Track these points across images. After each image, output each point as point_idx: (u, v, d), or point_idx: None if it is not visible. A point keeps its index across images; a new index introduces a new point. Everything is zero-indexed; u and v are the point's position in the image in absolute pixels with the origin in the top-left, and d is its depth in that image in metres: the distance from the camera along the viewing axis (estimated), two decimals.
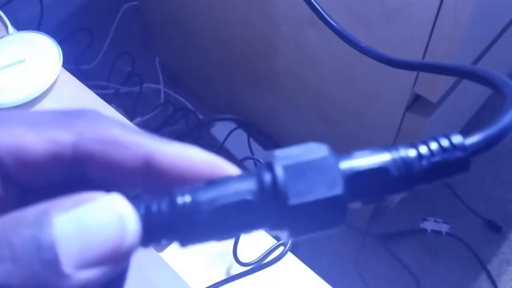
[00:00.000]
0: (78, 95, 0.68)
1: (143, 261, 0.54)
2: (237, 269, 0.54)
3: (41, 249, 0.15)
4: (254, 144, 1.32)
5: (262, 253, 0.55)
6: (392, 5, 0.77)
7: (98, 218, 0.17)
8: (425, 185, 0.20)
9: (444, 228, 1.29)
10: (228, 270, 0.55)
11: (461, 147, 0.19)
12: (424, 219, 1.31)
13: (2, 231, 0.15)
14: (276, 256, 0.54)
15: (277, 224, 0.19)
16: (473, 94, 1.12)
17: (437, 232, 1.29)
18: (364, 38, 0.82)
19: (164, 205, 0.18)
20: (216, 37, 1.21)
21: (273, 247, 0.55)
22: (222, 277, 0.54)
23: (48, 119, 0.20)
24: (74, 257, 0.16)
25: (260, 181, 0.19)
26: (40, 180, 0.20)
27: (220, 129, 1.38)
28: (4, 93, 0.65)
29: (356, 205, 0.19)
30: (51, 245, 0.15)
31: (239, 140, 1.34)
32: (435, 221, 1.30)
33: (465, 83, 0.92)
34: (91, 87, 0.70)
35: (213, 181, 0.19)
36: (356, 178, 0.19)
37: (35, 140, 0.19)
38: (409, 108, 0.92)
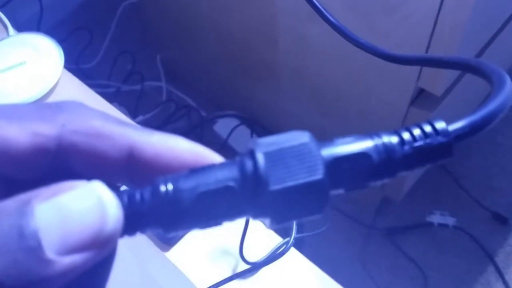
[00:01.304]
0: (79, 96, 0.68)
1: (147, 260, 0.55)
2: (243, 267, 0.55)
3: (23, 237, 0.16)
4: None
5: (268, 251, 0.55)
6: (393, 0, 0.78)
7: (79, 204, 0.17)
8: (408, 171, 0.20)
9: (450, 221, 1.29)
10: (234, 269, 0.55)
11: (444, 133, 0.19)
12: (430, 213, 1.32)
13: None
14: (279, 252, 0.54)
15: (259, 210, 0.19)
16: (477, 87, 1.12)
17: (443, 225, 1.29)
18: (365, 32, 0.83)
19: (147, 194, 0.19)
20: (216, 33, 1.21)
21: (279, 244, 0.55)
22: (228, 275, 0.54)
23: (30, 112, 0.20)
24: (57, 243, 0.16)
25: (242, 168, 0.19)
26: (25, 172, 0.20)
27: (223, 126, 1.38)
28: (6, 95, 0.65)
29: (338, 191, 0.19)
30: (33, 233, 0.16)
31: (242, 137, 1.34)
32: (441, 214, 1.30)
33: (468, 76, 0.92)
34: (92, 86, 0.71)
35: (195, 169, 0.19)
36: (337, 164, 0.19)
37: (18, 133, 0.19)
38: (413, 102, 0.92)
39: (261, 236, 0.57)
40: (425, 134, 0.19)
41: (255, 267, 0.54)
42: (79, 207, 0.17)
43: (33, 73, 0.67)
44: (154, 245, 0.56)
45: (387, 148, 0.19)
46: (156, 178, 0.19)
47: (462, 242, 1.29)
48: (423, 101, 0.92)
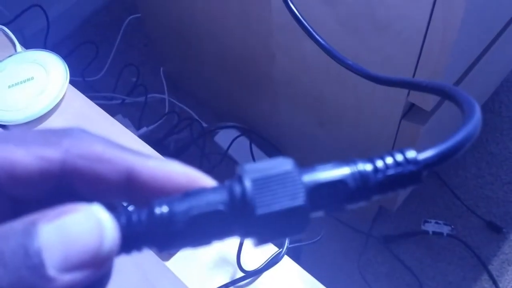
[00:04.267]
0: (84, 110, 0.70)
1: (148, 270, 0.57)
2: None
3: (28, 255, 0.17)
4: (256, 151, 1.34)
5: (265, 260, 0.57)
6: (382, 18, 0.79)
7: (79, 226, 0.18)
8: (381, 196, 0.21)
9: (445, 229, 1.30)
10: (232, 278, 0.57)
11: (414, 162, 0.21)
12: (426, 221, 1.32)
13: None
14: (271, 261, 0.56)
15: (246, 232, 0.20)
16: None
17: (438, 234, 1.30)
18: (356, 47, 0.85)
19: (143, 215, 0.20)
20: (217, 48, 1.23)
21: (275, 254, 0.57)
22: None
23: (37, 138, 0.21)
24: (58, 262, 0.17)
25: (231, 193, 0.20)
26: (30, 193, 0.21)
27: (223, 137, 1.40)
28: (13, 110, 0.67)
29: (318, 214, 0.21)
30: (37, 252, 0.17)
31: (242, 147, 1.35)
32: (436, 222, 1.31)
33: None
34: (97, 98, 0.72)
35: (188, 193, 0.21)
36: (317, 190, 0.20)
37: (25, 157, 0.20)
38: (404, 115, 0.94)
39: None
40: (396, 163, 0.21)
41: (248, 275, 0.56)
42: (80, 229, 0.18)
43: (40, 88, 0.69)
44: (155, 255, 0.58)
45: (362, 175, 0.21)
46: (152, 200, 0.20)
47: (457, 250, 1.30)
48: (414, 115, 0.93)
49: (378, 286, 1.27)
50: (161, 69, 1.52)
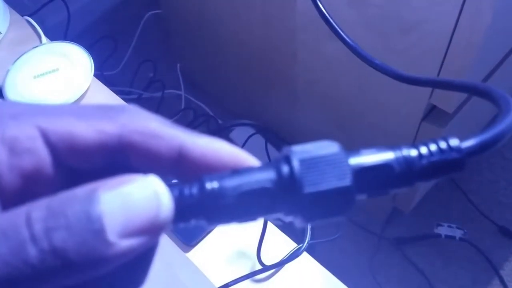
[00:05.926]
0: (107, 102, 0.70)
1: (171, 260, 0.58)
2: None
3: (90, 220, 0.18)
4: (271, 149, 1.35)
5: (284, 255, 0.58)
6: (408, 21, 0.79)
7: (138, 195, 0.19)
8: (424, 182, 0.21)
9: (458, 233, 1.30)
10: (251, 271, 0.57)
11: (457, 149, 0.21)
12: (438, 224, 1.32)
13: (58, 205, 0.18)
14: (291, 255, 0.57)
15: (292, 210, 0.21)
16: (486, 106, 1.13)
17: (450, 237, 1.30)
18: (381, 50, 0.85)
19: (195, 190, 0.21)
20: (236, 45, 1.24)
21: (294, 249, 0.58)
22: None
23: (96, 112, 0.22)
24: (118, 227, 0.18)
25: (279, 172, 0.21)
26: (87, 164, 0.22)
27: (239, 134, 1.40)
28: (38, 101, 0.68)
29: (362, 197, 0.21)
30: (98, 217, 0.18)
31: (257, 145, 1.35)
32: (449, 226, 1.31)
33: None
34: (114, 92, 0.73)
35: (237, 171, 0.21)
36: (363, 173, 0.21)
37: (85, 130, 0.21)
38: (425, 117, 0.94)
39: (278, 242, 0.59)
40: (440, 150, 0.21)
41: (266, 269, 0.57)
42: (138, 197, 0.19)
43: (65, 79, 0.70)
44: (177, 246, 0.59)
45: (407, 160, 0.21)
46: (203, 176, 0.21)
47: (469, 254, 1.30)
48: (435, 117, 0.93)
49: (389, 287, 1.27)
50: (178, 65, 1.52)
